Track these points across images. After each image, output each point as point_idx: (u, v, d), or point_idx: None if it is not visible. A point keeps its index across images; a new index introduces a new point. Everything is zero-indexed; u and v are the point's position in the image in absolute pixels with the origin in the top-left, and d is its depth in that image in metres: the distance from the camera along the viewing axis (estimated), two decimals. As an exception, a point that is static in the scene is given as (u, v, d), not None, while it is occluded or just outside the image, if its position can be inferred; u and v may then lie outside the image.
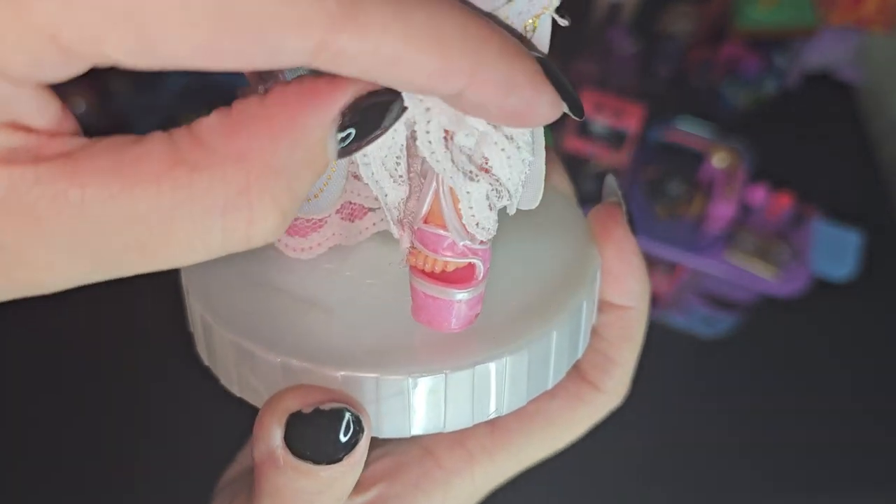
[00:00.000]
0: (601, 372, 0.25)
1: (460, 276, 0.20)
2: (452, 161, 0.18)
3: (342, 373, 0.20)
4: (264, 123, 0.15)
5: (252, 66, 0.14)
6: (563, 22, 0.18)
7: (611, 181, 0.25)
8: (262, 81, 0.20)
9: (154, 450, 0.62)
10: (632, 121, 0.62)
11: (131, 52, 0.14)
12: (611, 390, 0.25)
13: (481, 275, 0.20)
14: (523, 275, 0.23)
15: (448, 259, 0.20)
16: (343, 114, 0.16)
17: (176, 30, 0.13)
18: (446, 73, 0.15)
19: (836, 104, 0.84)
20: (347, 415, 0.19)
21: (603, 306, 0.24)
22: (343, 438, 0.19)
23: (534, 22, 0.17)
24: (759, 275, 0.62)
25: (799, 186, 0.65)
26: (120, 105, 0.70)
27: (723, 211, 0.61)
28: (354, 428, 0.19)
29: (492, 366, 0.21)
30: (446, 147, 0.18)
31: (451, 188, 0.19)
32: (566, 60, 0.79)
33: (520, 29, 0.17)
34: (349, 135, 0.16)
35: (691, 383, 0.70)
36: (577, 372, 0.25)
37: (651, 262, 0.65)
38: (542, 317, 0.22)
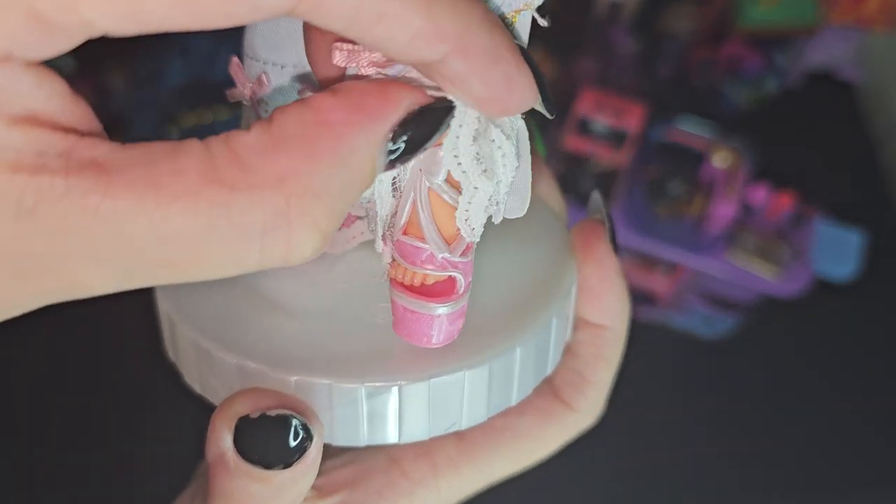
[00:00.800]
0: (574, 390, 0.24)
1: (440, 290, 0.20)
2: (476, 156, 0.18)
3: (296, 377, 0.20)
4: (306, 145, 0.15)
5: (234, 21, 0.14)
6: (542, 22, 0.17)
7: (596, 198, 0.25)
8: (250, 83, 0.20)
9: (140, 450, 0.62)
10: (632, 120, 0.62)
11: (110, 14, 0.13)
12: (584, 409, 0.24)
13: (462, 288, 0.20)
14: (495, 288, 0.23)
15: (428, 272, 0.19)
16: (394, 131, 0.15)
17: None
18: (432, 35, 0.14)
19: (838, 103, 0.84)
20: (294, 421, 0.18)
21: (579, 324, 0.24)
22: (292, 444, 0.18)
23: (513, 17, 0.16)
24: (760, 275, 0.61)
25: (800, 186, 0.65)
26: (118, 102, 0.70)
27: (724, 211, 0.61)
28: (303, 434, 0.19)
29: (449, 379, 0.21)
30: (474, 140, 0.18)
31: (430, 197, 0.18)
32: (566, 59, 0.79)
33: None
34: (399, 147, 0.16)
35: (692, 383, 0.69)
36: (549, 389, 0.24)
37: (651, 263, 0.65)
38: (508, 332, 0.22)
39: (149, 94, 0.63)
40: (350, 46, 0.16)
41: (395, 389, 0.20)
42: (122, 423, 0.63)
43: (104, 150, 0.14)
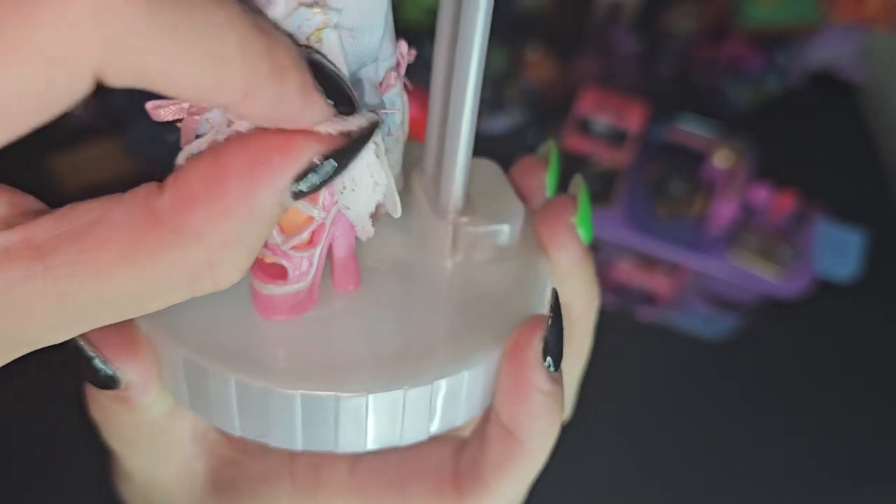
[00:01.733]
0: (473, 487, 0.23)
1: (272, 272, 0.21)
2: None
3: (183, 353, 0.21)
4: (217, 200, 0.16)
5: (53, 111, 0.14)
6: (352, 35, 0.18)
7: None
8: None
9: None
10: (633, 119, 0.62)
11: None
12: None
13: (293, 279, 0.20)
14: (481, 302, 0.22)
15: (264, 251, 0.20)
16: (297, 178, 0.16)
17: None
18: (220, 90, 0.15)
19: (840, 103, 0.84)
20: (96, 361, 0.21)
21: (493, 419, 0.22)
22: (101, 377, 0.21)
23: (317, 35, 0.17)
24: (761, 275, 0.61)
25: (802, 186, 0.65)
26: (118, 102, 0.70)
27: (725, 210, 0.60)
28: (104, 372, 0.21)
29: (359, 400, 0.20)
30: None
31: None
32: (566, 59, 0.79)
33: (303, 40, 0.17)
34: (311, 184, 0.16)
35: (692, 383, 0.69)
36: (451, 467, 0.23)
37: (652, 263, 0.65)
38: (423, 363, 0.21)
39: (149, 94, 0.63)
40: (170, 102, 0.17)
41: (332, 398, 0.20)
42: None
43: (38, 232, 0.16)
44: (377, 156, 0.19)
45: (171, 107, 0.17)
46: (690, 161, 0.63)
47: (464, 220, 0.23)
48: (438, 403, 0.21)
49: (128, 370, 0.21)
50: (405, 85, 0.20)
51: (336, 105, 0.17)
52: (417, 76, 0.22)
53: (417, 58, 0.20)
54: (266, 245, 0.20)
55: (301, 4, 0.16)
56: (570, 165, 0.62)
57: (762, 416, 0.68)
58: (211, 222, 0.16)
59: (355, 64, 0.18)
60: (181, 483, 0.25)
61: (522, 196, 0.24)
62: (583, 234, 0.23)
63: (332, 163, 0.17)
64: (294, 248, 0.20)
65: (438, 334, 0.22)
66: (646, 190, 0.63)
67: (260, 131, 0.16)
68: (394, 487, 0.23)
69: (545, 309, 0.23)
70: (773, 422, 0.68)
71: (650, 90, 0.75)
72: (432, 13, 0.80)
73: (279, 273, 0.20)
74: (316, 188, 0.17)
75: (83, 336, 0.21)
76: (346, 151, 0.17)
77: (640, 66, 0.80)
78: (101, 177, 0.70)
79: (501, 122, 0.75)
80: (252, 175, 0.16)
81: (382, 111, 0.19)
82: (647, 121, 0.63)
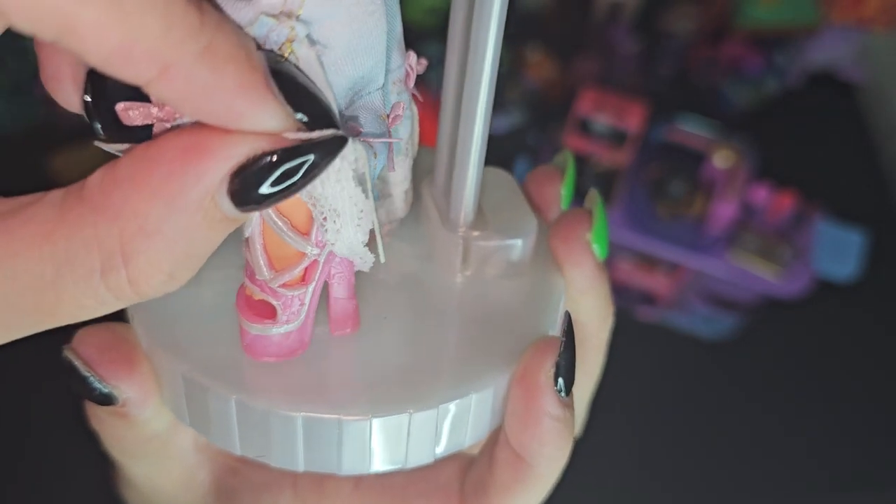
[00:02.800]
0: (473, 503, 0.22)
1: (260, 310, 0.19)
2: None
3: (183, 370, 0.20)
4: (139, 182, 0.15)
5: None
6: (333, 53, 0.17)
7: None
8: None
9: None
10: (633, 120, 0.62)
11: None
12: None
13: (283, 319, 0.19)
14: (488, 326, 0.22)
15: (253, 288, 0.19)
16: (233, 177, 0.15)
17: None
18: (129, 53, 0.13)
19: (839, 103, 0.84)
20: (89, 378, 0.21)
21: (502, 443, 0.21)
22: (97, 396, 0.21)
23: (288, 47, 0.16)
24: (760, 275, 0.61)
25: (801, 186, 0.65)
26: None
27: (725, 211, 0.60)
28: (100, 391, 0.21)
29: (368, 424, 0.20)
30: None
31: (262, 219, 0.18)
32: (566, 59, 0.79)
33: (276, 50, 0.16)
34: (249, 184, 0.15)
35: (692, 383, 0.69)
36: (457, 487, 0.23)
37: (652, 263, 0.65)
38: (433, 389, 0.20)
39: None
40: (140, 105, 0.16)
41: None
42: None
43: None
44: (359, 183, 0.17)
45: (139, 109, 0.16)
46: (690, 161, 0.63)
47: (475, 234, 0.22)
48: (445, 427, 0.21)
49: (125, 388, 0.21)
50: (414, 95, 0.20)
51: (310, 120, 0.15)
52: (420, 76, 0.21)
53: (419, 56, 0.20)
54: (254, 280, 0.19)
55: (262, 13, 0.15)
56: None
57: (762, 416, 0.68)
58: (130, 203, 0.15)
59: (348, 87, 0.17)
60: (184, 491, 0.24)
61: (536, 207, 0.24)
62: (598, 250, 0.23)
63: (282, 167, 0.15)
64: (284, 285, 0.19)
65: (446, 354, 0.21)
66: (646, 190, 0.63)
67: (201, 124, 0.15)
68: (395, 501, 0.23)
69: (557, 328, 0.22)
70: (773, 422, 0.68)
71: (650, 90, 0.75)
72: (433, 13, 0.80)
73: (268, 312, 0.19)
74: (262, 200, 0.15)
75: (77, 354, 0.20)
76: (294, 153, 0.15)
77: (640, 66, 0.80)
78: (101, 177, 0.70)
79: (501, 123, 0.75)
80: (182, 160, 0.15)
81: (379, 140, 0.18)
82: (647, 121, 0.63)
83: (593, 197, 0.23)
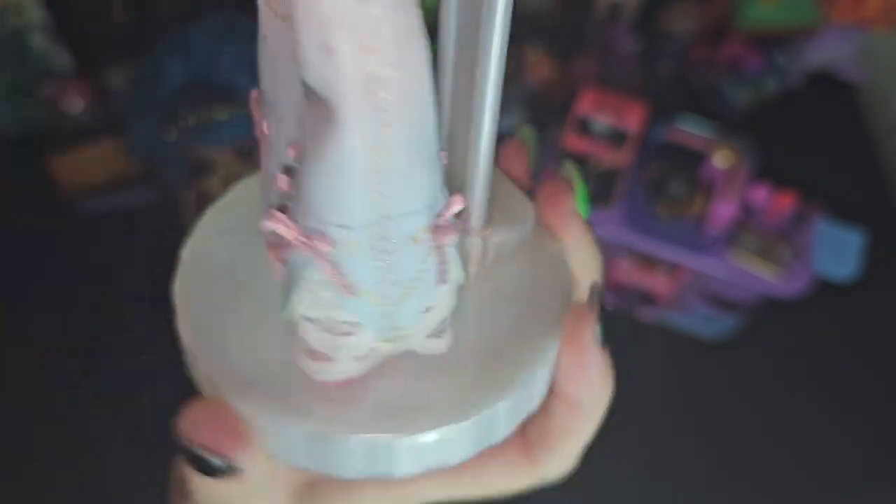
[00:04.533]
0: (545, 452, 0.25)
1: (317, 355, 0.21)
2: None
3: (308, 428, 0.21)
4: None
5: None
6: None
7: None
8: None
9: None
10: (633, 120, 0.62)
11: None
12: (552, 469, 0.26)
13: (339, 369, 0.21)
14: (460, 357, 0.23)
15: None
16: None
17: None
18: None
19: (839, 103, 0.84)
20: (211, 459, 0.21)
21: (555, 391, 0.24)
22: (213, 472, 0.22)
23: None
24: (760, 275, 0.61)
25: (801, 186, 0.65)
26: (118, 102, 0.70)
27: (724, 211, 0.60)
28: (221, 467, 0.21)
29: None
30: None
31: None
32: (566, 59, 0.79)
33: None
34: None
35: (692, 383, 0.69)
36: (521, 440, 0.25)
37: (652, 263, 0.65)
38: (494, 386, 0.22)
39: (149, 94, 0.63)
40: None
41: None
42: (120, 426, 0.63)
43: None
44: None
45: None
46: (690, 161, 0.63)
47: (488, 232, 0.23)
48: (524, 401, 0.23)
49: (243, 458, 0.21)
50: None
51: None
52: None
53: None
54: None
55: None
56: (570, 165, 0.62)
57: (762, 416, 0.68)
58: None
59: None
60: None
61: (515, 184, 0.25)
62: (583, 213, 0.25)
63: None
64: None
65: (502, 338, 0.22)
66: (646, 190, 0.64)
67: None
68: (471, 469, 0.25)
69: (570, 288, 0.24)
70: (773, 421, 0.68)
71: (650, 90, 0.75)
72: (434, 13, 0.80)
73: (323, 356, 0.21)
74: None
75: (194, 440, 0.21)
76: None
77: (640, 66, 0.80)
78: (102, 177, 0.70)
79: (501, 122, 0.75)
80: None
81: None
82: (647, 121, 0.64)
83: (567, 168, 0.26)
